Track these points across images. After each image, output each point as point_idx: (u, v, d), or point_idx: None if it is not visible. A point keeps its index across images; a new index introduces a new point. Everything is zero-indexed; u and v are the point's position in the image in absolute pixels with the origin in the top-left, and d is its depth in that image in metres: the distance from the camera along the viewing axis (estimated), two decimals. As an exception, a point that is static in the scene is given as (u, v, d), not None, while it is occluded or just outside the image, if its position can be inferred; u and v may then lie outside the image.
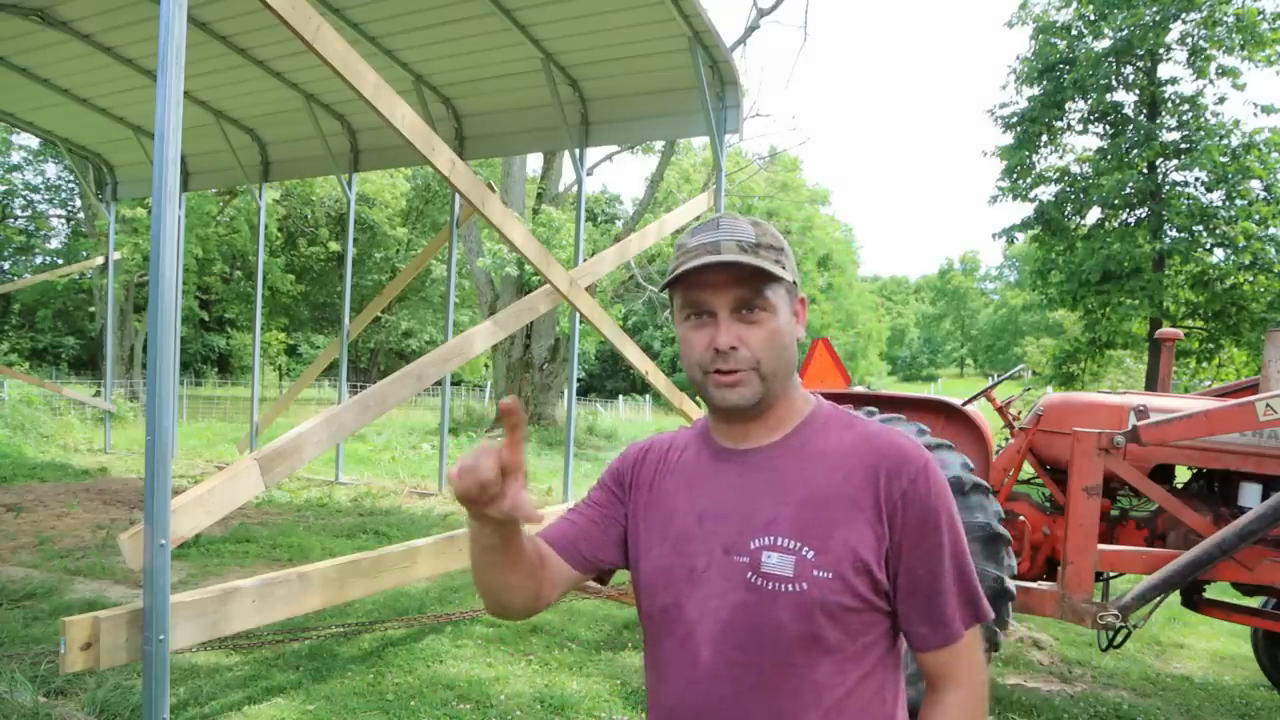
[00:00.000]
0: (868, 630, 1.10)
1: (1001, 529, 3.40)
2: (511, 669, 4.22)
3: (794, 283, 1.16)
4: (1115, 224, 19.81)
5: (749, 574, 1.08)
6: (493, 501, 0.97)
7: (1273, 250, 18.18)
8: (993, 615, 1.15)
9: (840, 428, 1.16)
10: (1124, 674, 4.52)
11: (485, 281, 16.85)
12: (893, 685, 1.14)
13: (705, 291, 1.11)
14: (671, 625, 1.14)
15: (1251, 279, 18.23)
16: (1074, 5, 19.54)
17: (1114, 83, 19.36)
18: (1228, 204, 18.33)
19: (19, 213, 30.34)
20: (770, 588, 1.07)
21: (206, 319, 32.61)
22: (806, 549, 1.07)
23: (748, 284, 1.09)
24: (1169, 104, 19.05)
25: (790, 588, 1.06)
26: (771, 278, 1.10)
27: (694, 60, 6.36)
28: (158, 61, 2.78)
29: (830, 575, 1.06)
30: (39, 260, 30.90)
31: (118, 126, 9.70)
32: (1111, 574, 3.87)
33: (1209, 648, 5.08)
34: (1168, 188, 18.92)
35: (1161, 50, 18.63)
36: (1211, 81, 18.50)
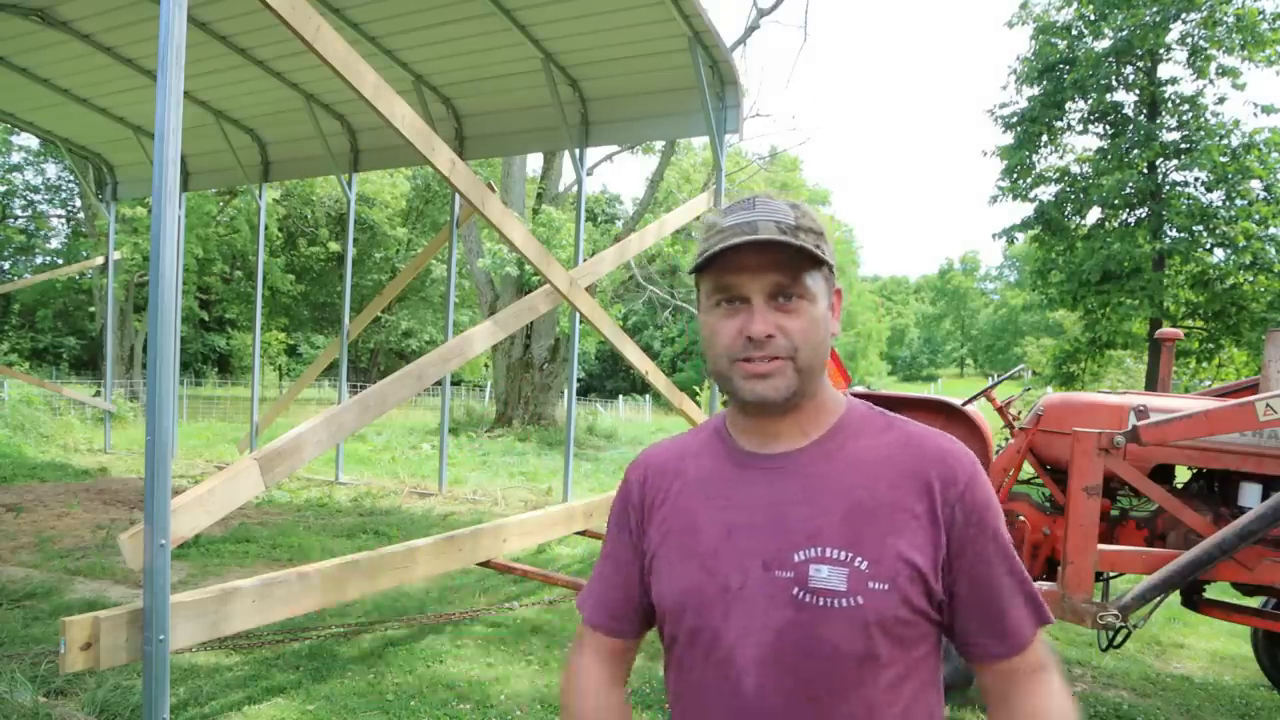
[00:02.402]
0: (919, 643, 1.03)
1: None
2: (511, 669, 4.22)
3: (832, 271, 1.07)
4: (1115, 224, 19.82)
5: (795, 590, 0.99)
6: None
7: (1273, 250, 18.18)
8: (1053, 618, 1.08)
9: (878, 430, 1.09)
10: (1124, 674, 4.52)
11: (485, 281, 16.85)
12: (938, 700, 1.08)
13: (741, 275, 1.01)
14: (704, 650, 1.04)
15: (1251, 279, 18.24)
16: (1074, 5, 19.55)
17: (1114, 83, 19.38)
18: (1228, 204, 18.33)
19: (19, 213, 30.36)
20: (821, 604, 0.98)
21: (207, 319, 32.64)
22: (860, 560, 0.99)
23: (786, 268, 1.00)
24: (1169, 104, 19.05)
25: (843, 602, 0.98)
26: (814, 262, 1.01)
27: (694, 60, 6.36)
28: (158, 61, 2.78)
29: (886, 587, 0.98)
30: (39, 260, 30.95)
31: (118, 126, 9.70)
32: (1111, 574, 3.87)
33: (1209, 648, 5.08)
34: (1168, 188, 18.92)
35: (1161, 50, 18.64)
36: (1211, 81, 18.51)
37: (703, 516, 1.09)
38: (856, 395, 4.24)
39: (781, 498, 1.04)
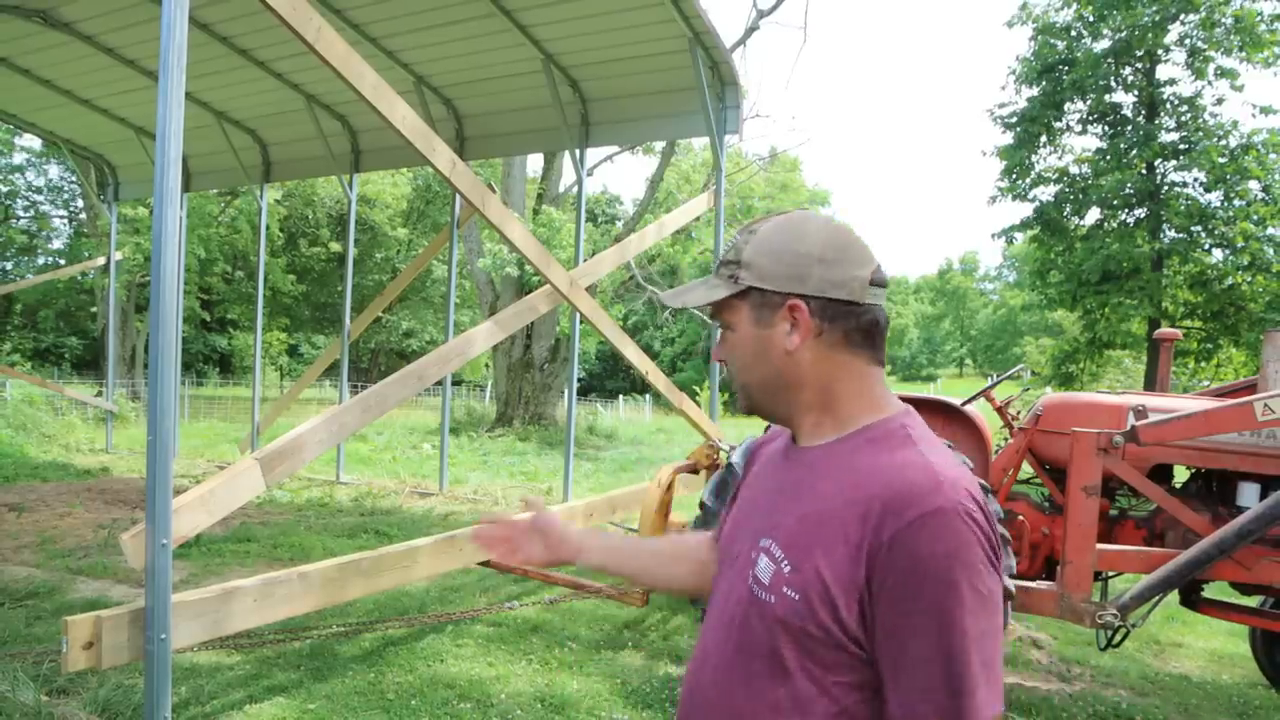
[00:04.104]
0: (844, 670, 0.98)
1: (1001, 529, 3.41)
2: (512, 668, 4.23)
3: (765, 291, 1.06)
4: (1114, 224, 19.83)
5: (749, 573, 1.07)
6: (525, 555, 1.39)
7: (1271, 251, 18.19)
8: None
9: (887, 448, 1.02)
10: (1122, 673, 4.53)
11: (485, 282, 16.86)
12: None
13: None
14: (710, 602, 1.19)
15: (1250, 279, 18.24)
16: (1073, 6, 19.57)
17: (1113, 83, 19.39)
18: (1226, 204, 18.34)
19: (21, 213, 30.34)
20: (753, 592, 1.05)
21: (208, 319, 32.62)
22: (786, 563, 1.01)
23: (716, 303, 1.12)
24: (1168, 105, 19.07)
25: (764, 596, 1.03)
26: (738, 292, 1.09)
27: (694, 61, 6.38)
28: (159, 63, 2.79)
29: (798, 597, 0.98)
30: (41, 261, 30.94)
31: (119, 127, 9.72)
32: (1110, 573, 3.88)
33: (1207, 647, 5.09)
34: (1166, 188, 18.93)
35: (1160, 51, 18.65)
36: (1210, 83, 18.52)
37: (746, 490, 1.23)
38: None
39: (780, 487, 1.13)
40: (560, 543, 1.37)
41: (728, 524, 1.23)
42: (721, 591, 1.14)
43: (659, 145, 15.88)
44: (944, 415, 4.14)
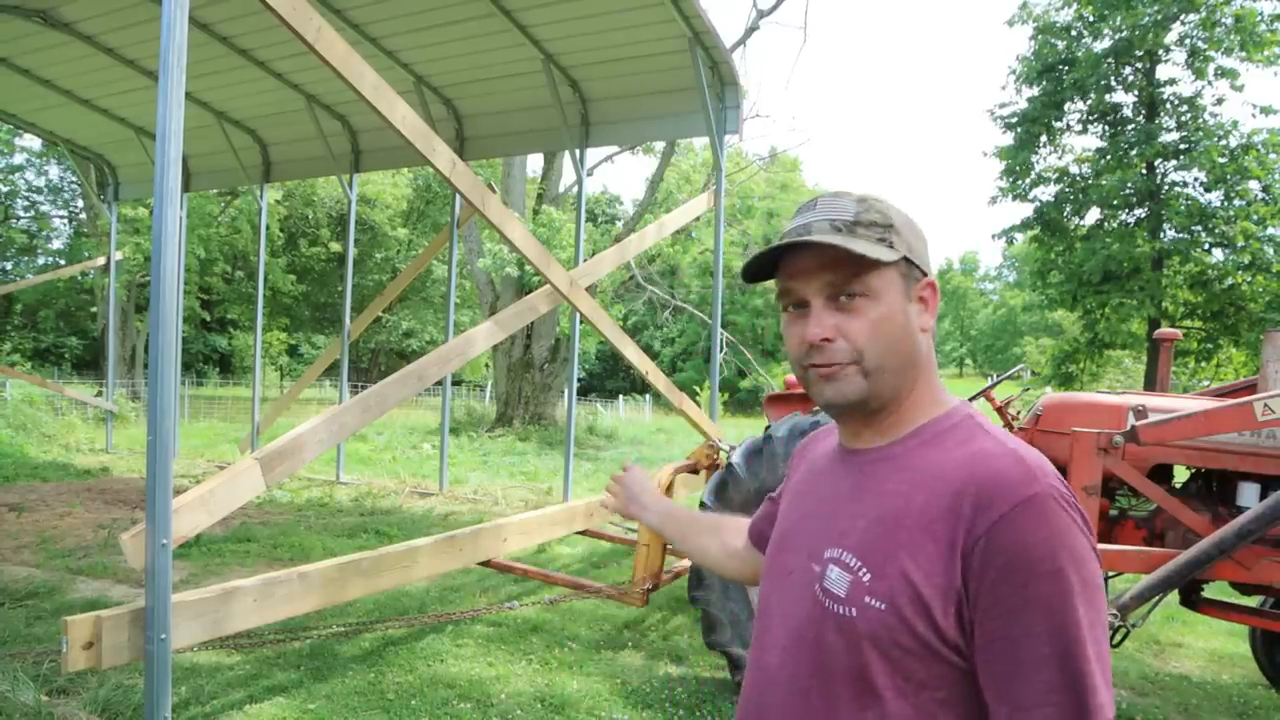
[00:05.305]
0: (935, 684, 0.90)
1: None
2: (512, 668, 4.23)
3: (911, 263, 1.00)
4: (1114, 224, 19.83)
5: (816, 585, 0.99)
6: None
7: (1271, 250, 18.19)
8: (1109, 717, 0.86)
9: (958, 441, 0.97)
10: (1122, 673, 4.53)
11: (486, 282, 16.87)
12: None
13: (796, 279, 1.00)
14: (762, 620, 1.10)
15: (1250, 279, 18.24)
16: (1074, 6, 19.57)
17: (1113, 83, 19.39)
18: (1226, 204, 18.34)
19: (21, 213, 30.36)
20: (827, 605, 0.97)
21: (208, 319, 32.65)
22: (864, 570, 0.94)
23: (841, 267, 0.96)
24: (1168, 105, 19.07)
25: (841, 610, 0.95)
26: (868, 260, 0.96)
27: (694, 61, 6.37)
28: (159, 63, 2.79)
29: (884, 606, 0.91)
30: (41, 261, 30.98)
31: (119, 127, 9.72)
32: (1110, 573, 3.88)
33: (1207, 647, 5.09)
34: (1166, 188, 18.93)
35: (1160, 51, 18.65)
36: (1210, 83, 18.52)
37: (796, 500, 1.15)
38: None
39: (838, 493, 1.05)
40: (630, 500, 1.57)
41: (774, 534, 1.15)
42: (778, 609, 1.06)
43: (659, 145, 15.88)
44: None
